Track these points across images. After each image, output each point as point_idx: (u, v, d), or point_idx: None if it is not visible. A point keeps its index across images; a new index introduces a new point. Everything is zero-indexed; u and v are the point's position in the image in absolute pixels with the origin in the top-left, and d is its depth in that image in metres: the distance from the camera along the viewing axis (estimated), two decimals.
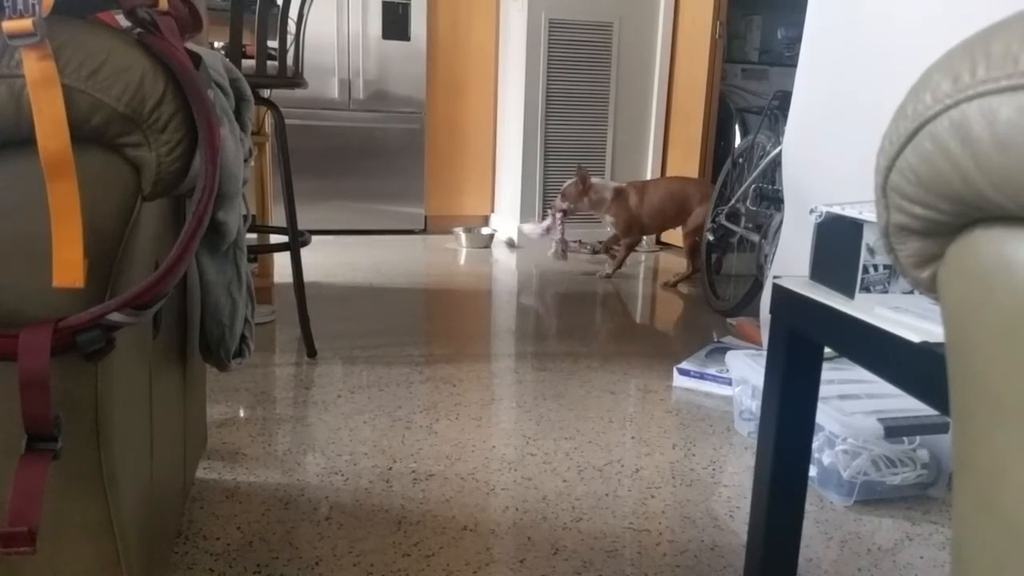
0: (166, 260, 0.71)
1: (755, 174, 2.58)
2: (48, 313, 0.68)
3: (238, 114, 1.12)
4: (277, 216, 2.70)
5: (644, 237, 3.54)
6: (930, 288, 0.43)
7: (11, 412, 0.66)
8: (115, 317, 0.69)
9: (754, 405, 1.62)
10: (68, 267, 0.67)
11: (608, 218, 3.34)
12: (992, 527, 0.36)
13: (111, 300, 0.70)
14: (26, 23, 0.63)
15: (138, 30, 0.74)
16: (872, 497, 1.36)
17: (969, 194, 0.36)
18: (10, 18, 0.63)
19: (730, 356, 1.70)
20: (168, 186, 0.75)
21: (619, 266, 3.35)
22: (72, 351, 0.68)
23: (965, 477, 0.39)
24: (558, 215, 3.32)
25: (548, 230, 3.39)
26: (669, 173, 4.17)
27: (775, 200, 2.43)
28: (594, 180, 3.31)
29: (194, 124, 0.74)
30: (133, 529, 0.81)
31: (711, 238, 2.81)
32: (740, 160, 2.82)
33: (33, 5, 0.63)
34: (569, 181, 3.32)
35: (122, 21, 0.77)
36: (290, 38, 2.08)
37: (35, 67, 0.65)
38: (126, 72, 0.69)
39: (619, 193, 3.29)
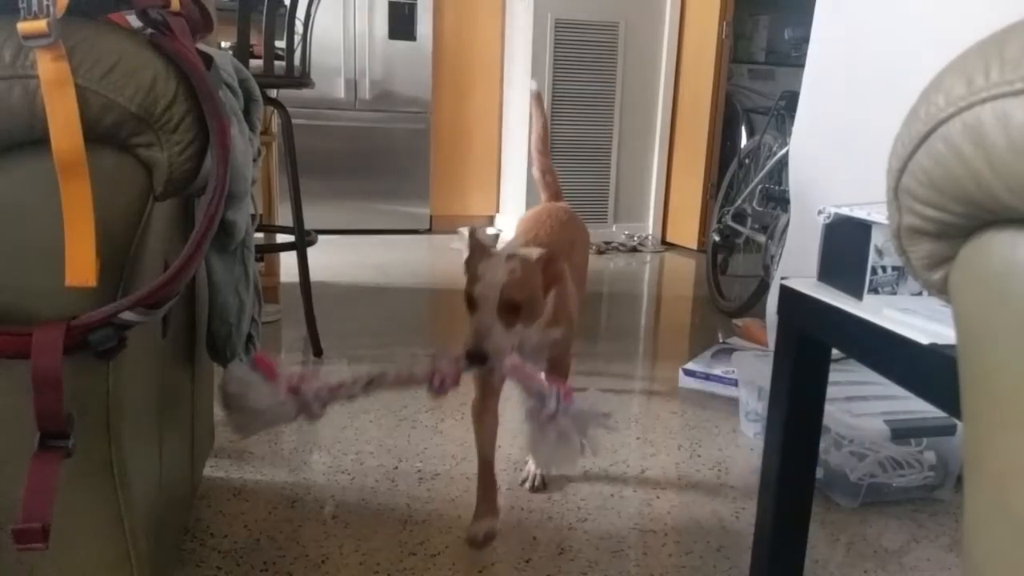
0: (178, 259, 0.71)
1: (761, 175, 2.58)
2: (61, 312, 0.69)
3: (247, 114, 1.12)
4: (284, 216, 2.70)
5: None
6: (941, 290, 0.44)
7: (24, 410, 0.67)
8: (127, 316, 0.69)
9: (760, 406, 1.61)
10: (81, 266, 0.68)
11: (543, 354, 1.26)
12: (1004, 529, 0.36)
13: (123, 299, 0.70)
14: (40, 24, 0.63)
15: (150, 31, 0.74)
16: (879, 499, 1.36)
17: (982, 197, 0.36)
18: (25, 19, 0.63)
19: (736, 357, 1.70)
20: (179, 186, 0.75)
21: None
22: (84, 349, 0.68)
23: (977, 479, 0.39)
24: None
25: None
26: (675, 174, 4.15)
27: (781, 201, 2.43)
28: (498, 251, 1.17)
29: (205, 124, 0.74)
30: (143, 526, 0.82)
31: (717, 238, 2.80)
32: (746, 160, 2.82)
33: (47, 6, 0.63)
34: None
35: (134, 22, 0.78)
36: (297, 38, 2.08)
37: (49, 68, 0.65)
38: (138, 73, 0.70)
39: (548, 264, 1.11)
